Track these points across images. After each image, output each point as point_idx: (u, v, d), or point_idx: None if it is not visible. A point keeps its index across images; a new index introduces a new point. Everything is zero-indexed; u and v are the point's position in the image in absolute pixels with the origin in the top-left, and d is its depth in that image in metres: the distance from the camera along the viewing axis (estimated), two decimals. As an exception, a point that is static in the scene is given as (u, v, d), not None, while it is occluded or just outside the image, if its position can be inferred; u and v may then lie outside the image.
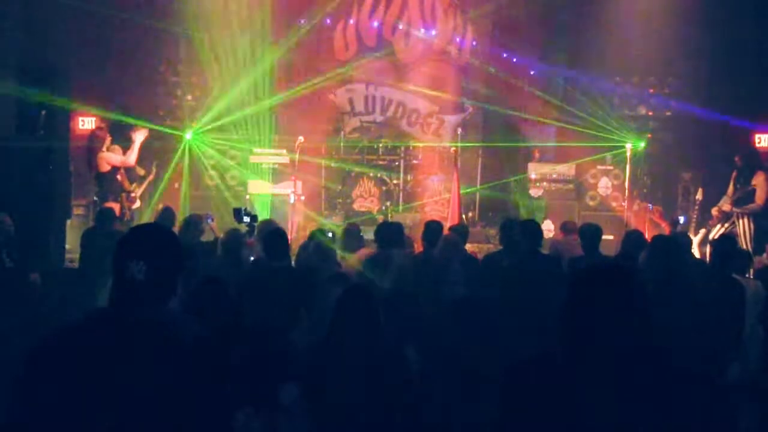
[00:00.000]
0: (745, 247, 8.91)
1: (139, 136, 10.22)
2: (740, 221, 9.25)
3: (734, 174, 9.56)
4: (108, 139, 10.22)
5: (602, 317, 2.22)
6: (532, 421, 2.23)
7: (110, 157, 10.08)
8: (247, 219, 7.22)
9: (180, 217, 8.61)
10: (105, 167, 10.07)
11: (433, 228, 6.73)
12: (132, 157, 10.21)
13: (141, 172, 10.94)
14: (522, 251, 6.18)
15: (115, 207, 9.74)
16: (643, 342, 2.22)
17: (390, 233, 6.46)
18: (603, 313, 2.22)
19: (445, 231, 7.10)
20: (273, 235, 5.94)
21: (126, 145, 10.23)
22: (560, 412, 2.18)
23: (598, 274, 2.36)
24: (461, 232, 7.34)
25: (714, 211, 9.62)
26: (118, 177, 10.26)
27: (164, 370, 2.21)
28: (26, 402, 2.23)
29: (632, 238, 6.34)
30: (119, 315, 2.29)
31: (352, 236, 6.93)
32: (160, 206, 10.11)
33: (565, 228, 8.59)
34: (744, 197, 9.33)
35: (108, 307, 2.33)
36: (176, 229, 7.20)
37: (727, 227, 9.36)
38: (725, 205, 9.47)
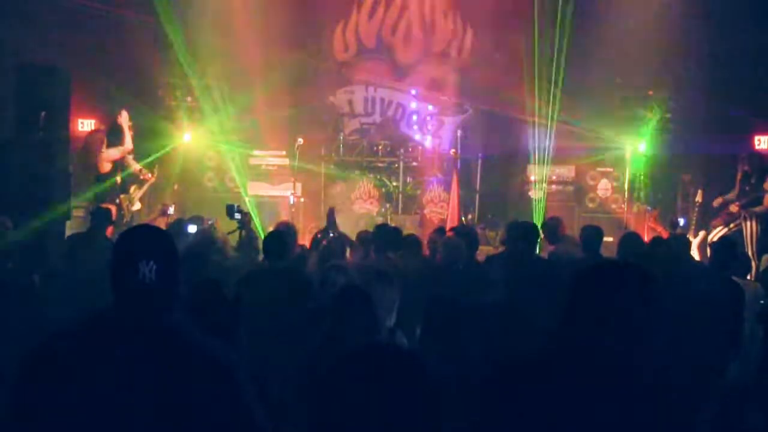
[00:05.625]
0: (749, 249, 8.90)
1: (122, 118, 10.16)
2: (747, 223, 9.23)
3: (739, 176, 9.53)
4: (106, 141, 10.21)
5: (607, 318, 2.14)
6: (518, 425, 2.18)
7: (110, 153, 10.06)
8: (238, 216, 7.21)
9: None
10: (106, 167, 10.05)
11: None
12: (128, 141, 10.14)
13: (141, 174, 10.94)
14: (518, 254, 6.17)
15: (112, 209, 9.73)
16: (643, 346, 2.19)
17: (388, 236, 6.47)
18: (608, 315, 2.14)
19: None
20: (271, 236, 5.94)
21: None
22: (547, 416, 2.14)
23: (608, 273, 2.28)
24: (467, 234, 7.23)
25: (718, 200, 9.56)
26: (118, 179, 10.25)
27: (173, 382, 2.14)
28: (24, 408, 2.18)
29: (629, 240, 6.33)
30: (127, 319, 2.22)
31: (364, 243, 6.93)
32: (168, 209, 10.12)
33: (552, 237, 7.45)
34: (753, 201, 9.30)
35: (112, 310, 2.26)
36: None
37: (732, 228, 9.34)
38: (733, 206, 9.44)
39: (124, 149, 10.12)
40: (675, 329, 4.70)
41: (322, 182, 12.54)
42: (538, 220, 10.86)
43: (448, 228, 8.18)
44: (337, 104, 13.67)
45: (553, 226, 7.43)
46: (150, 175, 10.76)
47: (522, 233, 6.33)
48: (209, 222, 8.57)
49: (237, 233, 7.42)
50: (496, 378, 2.25)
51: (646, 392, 2.15)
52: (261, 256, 7.21)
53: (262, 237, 6.88)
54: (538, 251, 7.12)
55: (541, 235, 7.07)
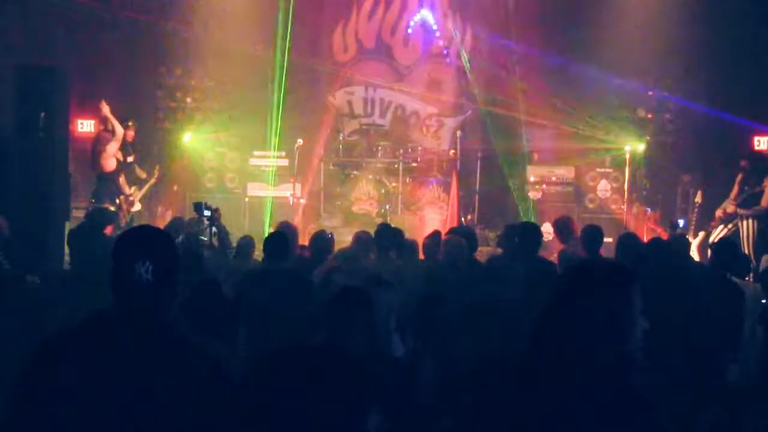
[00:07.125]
0: (747, 249, 8.90)
1: (103, 108, 10.22)
2: (744, 223, 9.23)
3: (740, 177, 9.53)
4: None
5: (586, 318, 2.09)
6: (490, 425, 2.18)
7: (109, 149, 10.07)
8: (207, 212, 7.17)
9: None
10: (110, 165, 10.08)
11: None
12: (117, 129, 10.16)
13: (142, 175, 10.94)
14: (519, 255, 6.17)
15: (112, 210, 9.73)
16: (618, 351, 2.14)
17: (389, 237, 6.47)
18: (588, 314, 2.09)
19: (444, 233, 7.07)
20: (272, 237, 5.93)
21: None
22: (516, 417, 2.12)
23: (591, 272, 2.23)
24: (466, 234, 7.22)
25: (718, 212, 9.60)
26: (120, 180, 10.26)
27: (170, 381, 2.16)
28: (24, 407, 2.19)
29: (626, 241, 6.32)
30: (125, 319, 2.24)
31: (361, 243, 6.91)
32: (166, 212, 10.14)
33: (564, 236, 7.38)
34: (750, 199, 9.30)
35: (112, 309, 2.28)
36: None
37: (731, 229, 9.34)
38: (729, 206, 9.45)
39: (116, 138, 10.15)
40: (675, 330, 4.71)
41: (321, 183, 12.54)
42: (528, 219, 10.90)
43: (447, 229, 8.17)
44: (336, 105, 13.66)
45: (565, 224, 7.41)
46: (147, 175, 10.79)
47: (521, 234, 6.32)
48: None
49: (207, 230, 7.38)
50: (474, 378, 2.25)
51: (625, 393, 2.11)
52: (255, 254, 7.22)
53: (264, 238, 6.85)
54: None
55: (543, 237, 7.03)
